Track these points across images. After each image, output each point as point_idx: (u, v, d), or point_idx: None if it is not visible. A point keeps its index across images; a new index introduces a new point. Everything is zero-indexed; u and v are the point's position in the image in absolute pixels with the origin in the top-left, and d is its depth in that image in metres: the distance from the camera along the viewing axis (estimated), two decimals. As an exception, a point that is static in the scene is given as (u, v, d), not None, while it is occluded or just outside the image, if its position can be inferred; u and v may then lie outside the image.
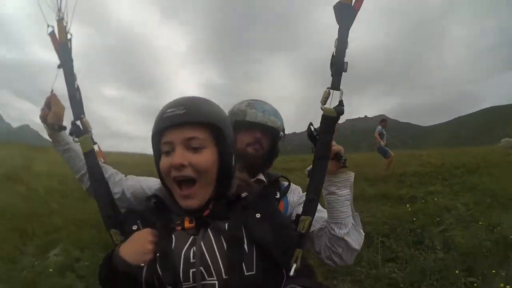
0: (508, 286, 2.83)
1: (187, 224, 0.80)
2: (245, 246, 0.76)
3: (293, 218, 0.93)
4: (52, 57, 1.08)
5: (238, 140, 1.29)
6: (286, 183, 1.31)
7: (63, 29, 0.98)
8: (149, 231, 0.79)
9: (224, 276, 0.73)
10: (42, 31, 1.02)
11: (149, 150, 0.93)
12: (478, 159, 8.13)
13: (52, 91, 1.05)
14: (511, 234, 3.69)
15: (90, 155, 0.98)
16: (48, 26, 1.00)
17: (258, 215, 0.81)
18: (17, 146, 13.62)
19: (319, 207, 1.16)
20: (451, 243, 3.82)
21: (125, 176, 1.11)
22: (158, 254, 0.75)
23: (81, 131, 0.99)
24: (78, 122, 0.99)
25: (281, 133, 1.35)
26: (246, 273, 0.74)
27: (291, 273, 0.77)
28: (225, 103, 1.29)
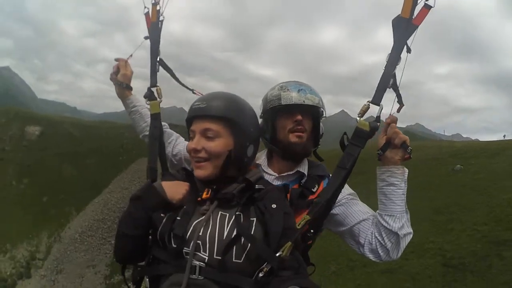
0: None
1: (204, 195, 0.96)
2: (242, 238, 0.87)
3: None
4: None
5: (279, 127, 1.22)
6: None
7: (155, 12, 1.29)
8: (188, 184, 1.01)
9: (214, 256, 0.87)
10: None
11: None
12: None
13: (130, 56, 1.36)
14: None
15: (156, 117, 1.25)
16: (145, 7, 1.31)
17: (274, 206, 0.93)
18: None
19: (357, 200, 1.18)
20: None
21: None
22: (179, 215, 0.91)
23: (153, 97, 1.27)
24: (153, 89, 1.28)
25: (322, 109, 1.25)
26: (233, 260, 0.87)
27: (273, 262, 0.83)
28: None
